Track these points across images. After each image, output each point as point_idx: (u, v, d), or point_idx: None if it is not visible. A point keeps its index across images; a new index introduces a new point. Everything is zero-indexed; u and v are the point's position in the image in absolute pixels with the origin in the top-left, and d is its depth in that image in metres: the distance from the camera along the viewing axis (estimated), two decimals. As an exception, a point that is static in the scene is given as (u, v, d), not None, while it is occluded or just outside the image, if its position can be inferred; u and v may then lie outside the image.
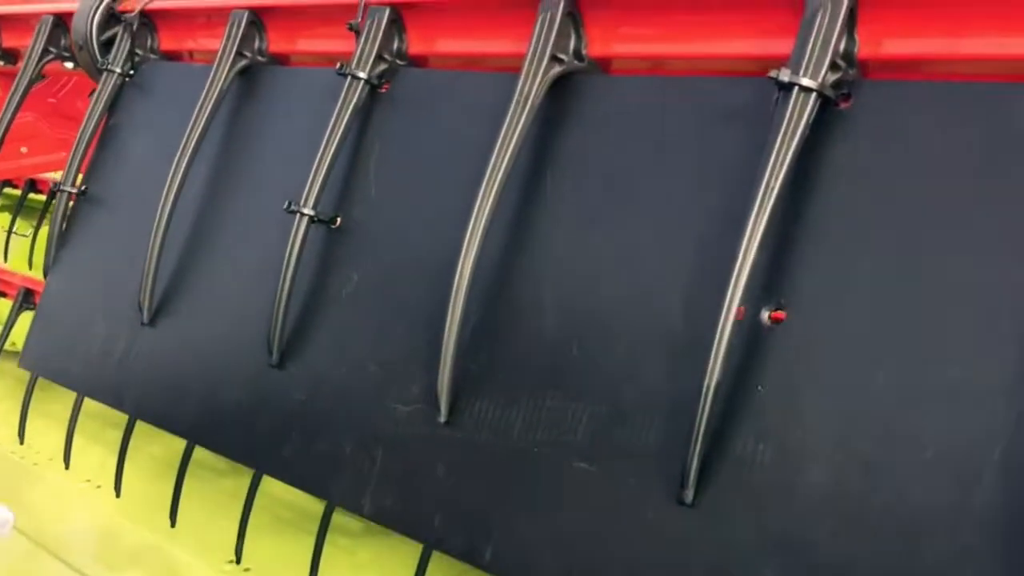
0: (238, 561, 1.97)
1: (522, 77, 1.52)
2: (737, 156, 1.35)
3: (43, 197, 4.72)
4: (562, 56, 1.55)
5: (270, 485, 1.84)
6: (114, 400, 1.89)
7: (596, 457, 1.34)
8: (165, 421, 1.80)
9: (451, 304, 1.47)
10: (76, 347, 1.96)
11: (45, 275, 2.15)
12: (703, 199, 1.37)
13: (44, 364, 2.06)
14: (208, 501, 2.52)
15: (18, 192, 5.18)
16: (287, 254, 1.66)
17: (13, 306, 2.70)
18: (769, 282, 1.27)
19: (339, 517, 1.75)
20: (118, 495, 2.23)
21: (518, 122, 1.51)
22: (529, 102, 1.52)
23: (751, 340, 1.27)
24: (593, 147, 1.50)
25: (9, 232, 5.21)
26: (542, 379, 1.43)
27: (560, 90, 1.55)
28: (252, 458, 1.70)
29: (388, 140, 1.73)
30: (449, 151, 1.65)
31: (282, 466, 1.65)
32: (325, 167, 1.68)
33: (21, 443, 2.70)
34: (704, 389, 1.24)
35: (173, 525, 2.08)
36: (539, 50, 1.53)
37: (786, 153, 1.23)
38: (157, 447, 2.98)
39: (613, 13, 1.55)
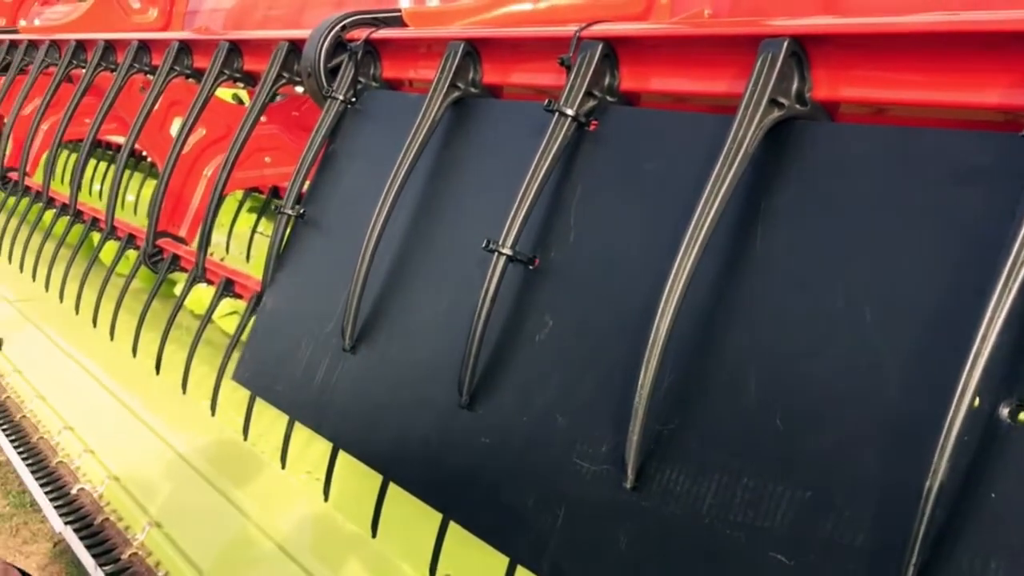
0: (432, 572, 1.97)
1: (737, 120, 1.41)
2: (982, 222, 1.18)
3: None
4: (782, 100, 1.42)
5: None
6: (314, 423, 1.93)
7: (795, 550, 1.21)
8: (359, 451, 1.82)
9: (645, 363, 1.37)
10: (283, 367, 2.03)
11: (262, 292, 2.24)
12: (937, 268, 1.21)
13: (254, 381, 2.14)
14: (415, 504, 2.57)
15: (263, 197, 5.57)
16: (483, 293, 1.63)
17: (247, 308, 2.86)
18: (1012, 372, 1.10)
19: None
20: (326, 499, 2.28)
21: (729, 170, 1.40)
22: (743, 148, 1.40)
23: (986, 437, 1.10)
24: (812, 202, 1.36)
25: (253, 231, 5.61)
26: (739, 453, 1.31)
27: (778, 136, 1.42)
28: (439, 501, 1.68)
29: (591, 181, 1.66)
30: (654, 196, 1.55)
31: (467, 513, 1.62)
32: (526, 206, 1.64)
33: (245, 439, 2.86)
34: (927, 488, 1.09)
35: (374, 536, 2.11)
36: (758, 92, 1.41)
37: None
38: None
39: (844, 53, 1.40)
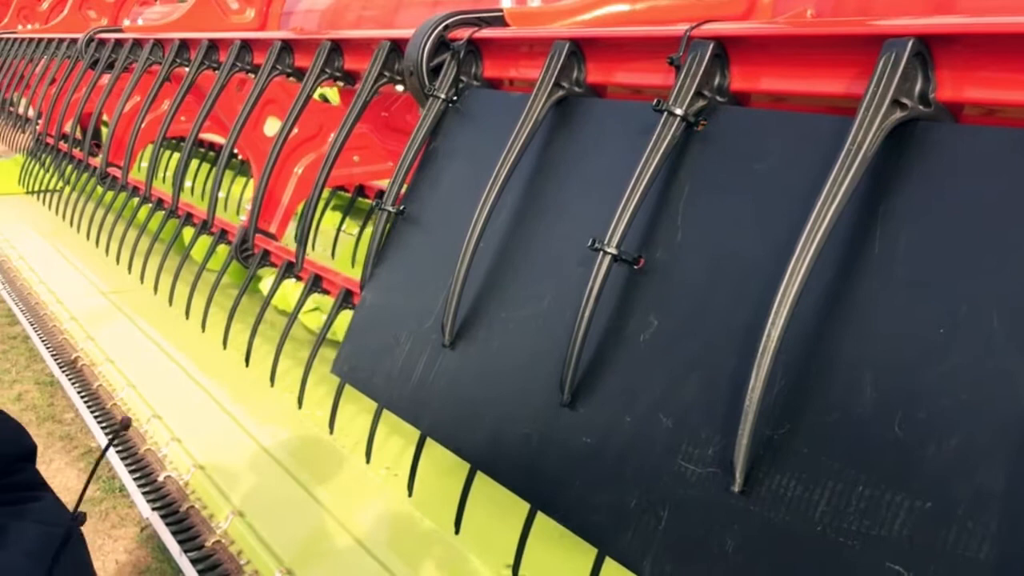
0: (515, 573, 1.98)
1: (857, 122, 1.38)
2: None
3: (369, 201, 5.12)
4: (905, 100, 1.38)
5: None
6: (411, 417, 1.95)
7: (914, 560, 1.18)
8: (455, 445, 1.83)
9: (756, 366, 1.35)
10: (382, 361, 2.05)
11: (361, 287, 2.27)
12: (1072, 275, 1.17)
13: (352, 374, 2.17)
14: (493, 503, 2.57)
15: (348, 195, 5.65)
16: (587, 292, 1.62)
17: (334, 304, 2.91)
18: None
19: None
20: (410, 495, 2.31)
21: (848, 172, 1.37)
22: (863, 150, 1.37)
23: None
24: (935, 204, 1.32)
25: (338, 231, 5.70)
26: (854, 459, 1.28)
27: (899, 138, 1.39)
28: (535, 496, 1.67)
29: (700, 181, 1.64)
30: (766, 197, 1.53)
31: (564, 510, 1.61)
32: (633, 206, 1.63)
33: (331, 433, 2.89)
34: (1057, 503, 1.05)
35: (457, 532, 2.12)
36: (880, 93, 1.38)
37: None
38: (451, 446, 3.10)
39: (971, 54, 1.36)
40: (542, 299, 1.79)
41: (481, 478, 2.03)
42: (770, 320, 1.35)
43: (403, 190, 2.25)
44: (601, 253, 1.62)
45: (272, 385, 3.45)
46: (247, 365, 3.60)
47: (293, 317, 3.25)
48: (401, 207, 2.18)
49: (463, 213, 1.93)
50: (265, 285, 3.93)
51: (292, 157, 4.17)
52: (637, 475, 1.52)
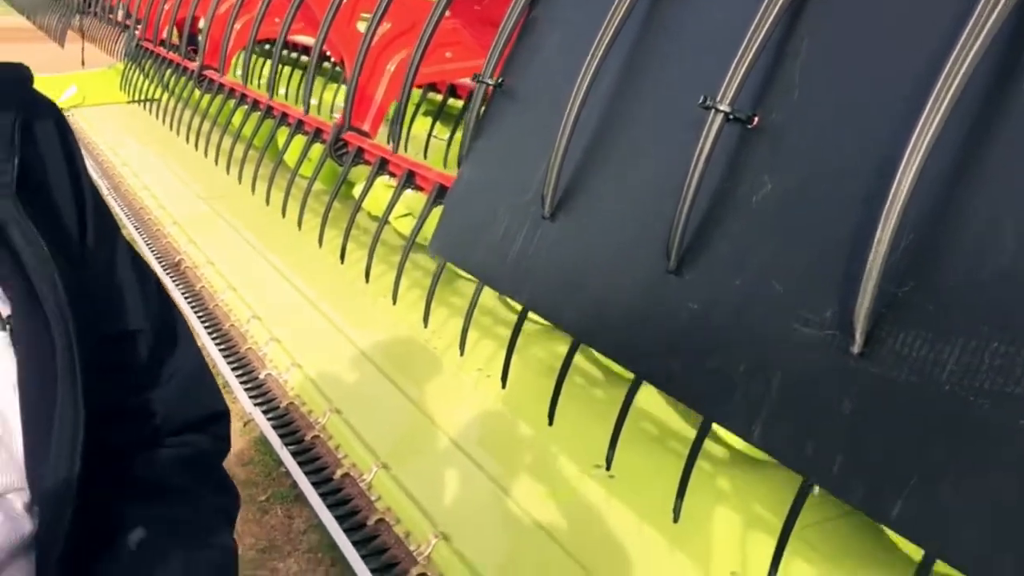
0: (608, 467, 1.96)
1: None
2: None
3: (461, 103, 5.05)
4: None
5: (639, 398, 1.80)
6: (511, 290, 1.91)
7: (1052, 418, 1.10)
8: (556, 316, 1.79)
9: (882, 220, 1.27)
10: (480, 236, 2.01)
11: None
12: None
13: (450, 251, 2.14)
14: (581, 406, 2.55)
15: (439, 98, 5.58)
16: (697, 152, 1.54)
17: (427, 201, 2.88)
18: None
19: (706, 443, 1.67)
20: (504, 386, 2.31)
21: (986, 21, 1.25)
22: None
23: None
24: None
25: (429, 136, 5.65)
26: (987, 317, 1.20)
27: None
28: (637, 365, 1.63)
29: (819, 38, 1.53)
30: (892, 48, 1.42)
31: (668, 377, 1.56)
32: (748, 61, 1.53)
33: (425, 327, 2.90)
34: None
35: (551, 424, 2.12)
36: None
37: None
38: (539, 349, 3.09)
39: None
40: (648, 164, 1.72)
41: (570, 382, 2.01)
42: (899, 172, 1.26)
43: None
44: (713, 111, 1.54)
45: (367, 282, 3.48)
46: (342, 262, 3.64)
47: (387, 213, 3.25)
48: (500, 79, 2.12)
49: (564, 81, 1.85)
50: (357, 191, 3.93)
51: (384, 54, 4.11)
52: (746, 341, 1.46)
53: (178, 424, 0.98)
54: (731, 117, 1.54)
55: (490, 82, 2.11)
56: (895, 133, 1.32)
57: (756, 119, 1.56)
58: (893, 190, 1.27)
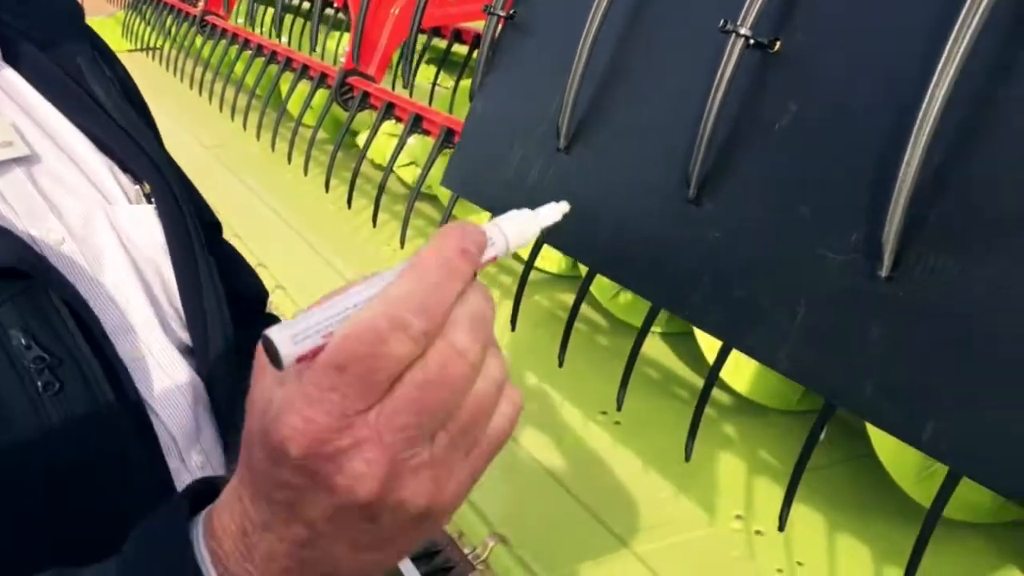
0: (619, 408, 1.96)
1: None
2: None
3: (466, 49, 4.97)
4: None
5: (644, 346, 1.80)
6: (526, 225, 1.88)
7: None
8: (575, 250, 1.76)
9: (912, 139, 1.24)
10: (494, 169, 1.98)
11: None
12: None
13: (462, 185, 2.11)
14: (585, 355, 2.54)
15: (444, 44, 5.51)
16: (717, 78, 1.51)
17: (435, 145, 2.84)
18: None
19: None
20: (513, 328, 2.29)
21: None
22: None
23: None
24: None
25: (433, 85, 5.57)
26: (1019, 237, 1.17)
27: None
28: (659, 296, 1.61)
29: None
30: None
31: (691, 308, 1.54)
32: (769, -16, 1.49)
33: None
34: None
35: (561, 365, 2.11)
36: None
37: None
38: (543, 298, 3.08)
39: None
40: (666, 92, 1.69)
41: (575, 331, 1.99)
42: (929, 91, 1.23)
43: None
44: (733, 35, 1.50)
45: (374, 226, 3.45)
46: (349, 206, 3.60)
47: (392, 160, 3.21)
48: (512, 11, 2.07)
49: (578, 9, 1.81)
50: (361, 140, 3.89)
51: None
52: (770, 268, 1.43)
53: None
54: (752, 42, 1.50)
55: (501, 13, 2.07)
56: (925, 51, 1.29)
57: (779, 43, 1.52)
58: (923, 110, 1.23)
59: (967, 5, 1.22)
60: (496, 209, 1.97)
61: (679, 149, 1.57)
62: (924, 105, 1.23)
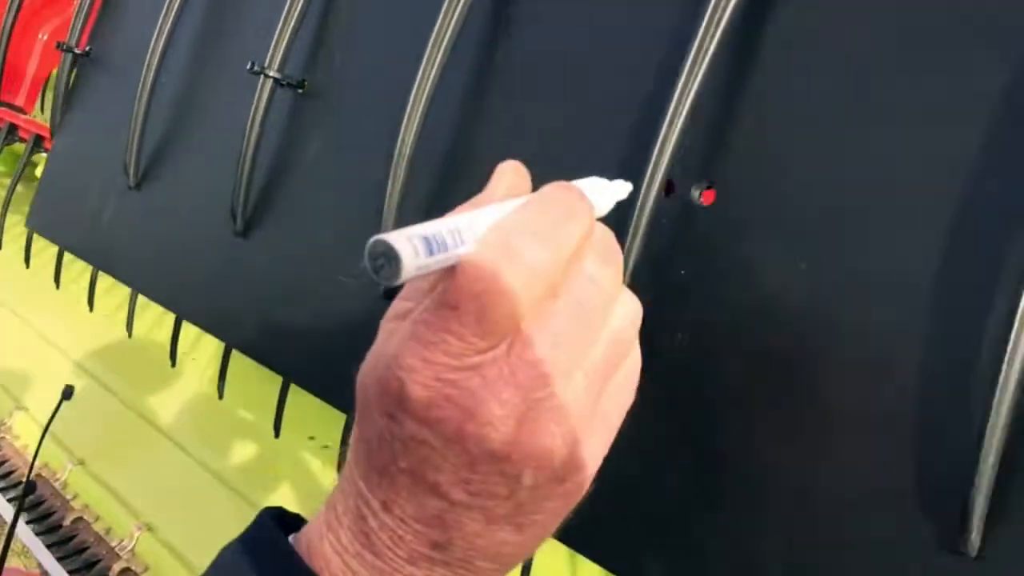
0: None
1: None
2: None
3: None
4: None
5: None
6: (102, 263, 1.90)
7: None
8: (149, 289, 1.80)
9: (391, 175, 1.38)
10: (75, 209, 1.97)
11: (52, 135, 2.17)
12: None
13: (45, 226, 2.09)
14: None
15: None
16: (250, 118, 1.60)
17: (24, 153, 2.71)
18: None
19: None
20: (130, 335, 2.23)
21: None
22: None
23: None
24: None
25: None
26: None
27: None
28: (220, 329, 1.68)
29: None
30: (411, 12, 1.52)
31: (244, 338, 1.63)
32: (291, 27, 1.59)
33: (57, 287, 2.77)
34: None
35: (173, 366, 2.07)
36: None
37: None
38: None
39: None
40: (216, 129, 1.76)
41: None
42: (401, 132, 1.37)
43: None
44: (262, 76, 1.59)
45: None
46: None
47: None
48: (88, 47, 2.07)
49: (146, 47, 1.84)
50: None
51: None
52: (303, 295, 1.54)
53: None
54: (281, 82, 1.60)
55: (76, 51, 2.06)
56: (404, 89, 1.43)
57: (306, 83, 1.63)
58: (399, 146, 1.37)
59: (424, 60, 1.36)
60: (79, 251, 1.97)
61: (228, 185, 1.65)
62: (399, 144, 1.37)
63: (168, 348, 1.76)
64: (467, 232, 0.50)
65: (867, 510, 0.83)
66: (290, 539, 0.56)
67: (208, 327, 1.68)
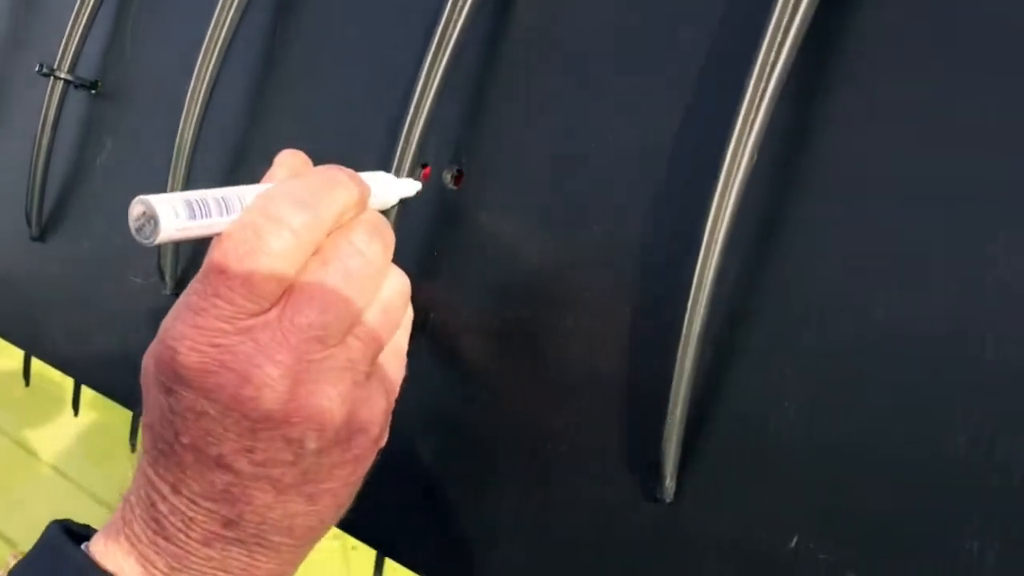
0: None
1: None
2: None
3: None
4: None
5: None
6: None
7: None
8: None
9: (171, 172, 1.37)
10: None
11: None
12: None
13: None
14: None
15: None
16: (41, 120, 1.57)
17: None
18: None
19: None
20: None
21: None
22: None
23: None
24: None
25: None
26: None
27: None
28: (20, 338, 1.64)
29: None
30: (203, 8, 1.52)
31: (42, 345, 1.60)
32: (81, 27, 1.58)
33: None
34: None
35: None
36: None
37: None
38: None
39: None
40: (10, 133, 1.73)
41: None
42: (181, 122, 1.36)
43: None
44: (52, 79, 1.57)
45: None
46: None
47: None
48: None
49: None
50: None
51: None
52: (96, 297, 1.52)
53: None
54: (76, 84, 1.58)
55: None
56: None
57: (100, 84, 1.61)
58: (178, 136, 1.36)
59: (203, 49, 1.36)
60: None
61: (21, 192, 1.62)
62: (178, 135, 1.36)
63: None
64: (235, 201, 0.53)
65: (584, 470, 0.86)
66: (88, 544, 0.57)
67: (11, 338, 1.64)
